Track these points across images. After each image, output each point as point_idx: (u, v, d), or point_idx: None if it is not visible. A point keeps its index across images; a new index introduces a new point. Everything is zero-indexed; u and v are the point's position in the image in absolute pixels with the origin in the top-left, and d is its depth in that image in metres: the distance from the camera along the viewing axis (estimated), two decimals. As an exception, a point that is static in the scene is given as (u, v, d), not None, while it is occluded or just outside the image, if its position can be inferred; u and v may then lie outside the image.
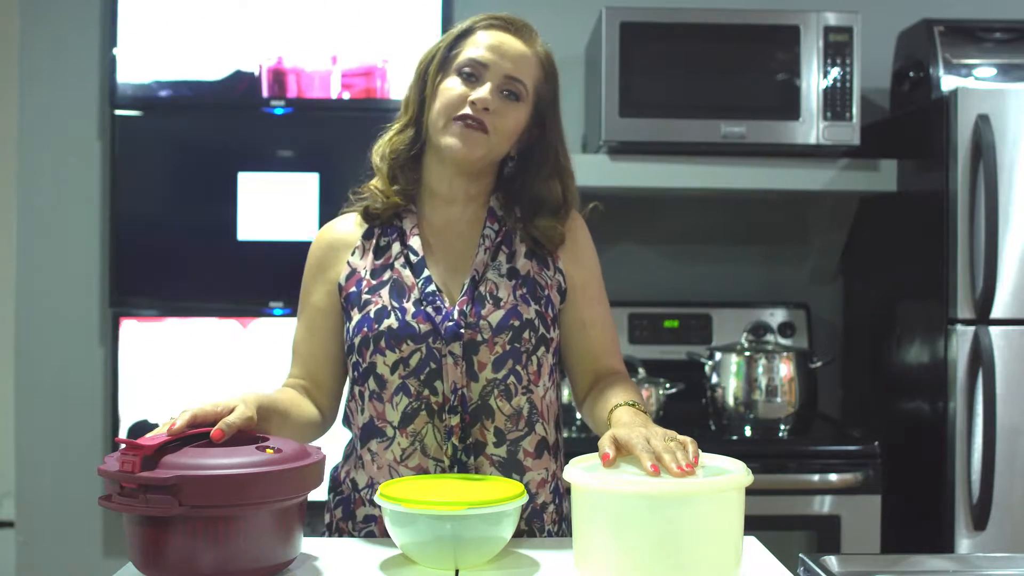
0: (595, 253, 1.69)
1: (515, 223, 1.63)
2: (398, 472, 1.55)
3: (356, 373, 1.59)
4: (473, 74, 1.57)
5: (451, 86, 1.57)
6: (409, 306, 1.55)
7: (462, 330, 1.53)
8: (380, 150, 1.65)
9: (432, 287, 1.56)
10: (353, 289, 1.59)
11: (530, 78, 1.59)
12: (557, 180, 1.64)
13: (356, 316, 1.57)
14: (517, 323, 1.55)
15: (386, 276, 1.59)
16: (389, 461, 1.55)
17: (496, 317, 1.55)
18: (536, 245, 1.63)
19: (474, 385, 1.54)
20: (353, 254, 1.62)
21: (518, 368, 1.56)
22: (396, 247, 1.61)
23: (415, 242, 1.60)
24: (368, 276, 1.59)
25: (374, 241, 1.62)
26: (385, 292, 1.57)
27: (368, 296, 1.57)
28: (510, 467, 1.56)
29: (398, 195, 1.62)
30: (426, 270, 1.57)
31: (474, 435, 1.54)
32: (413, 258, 1.59)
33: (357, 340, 1.56)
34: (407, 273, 1.58)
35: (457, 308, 1.54)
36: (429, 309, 1.54)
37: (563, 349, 1.66)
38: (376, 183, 1.64)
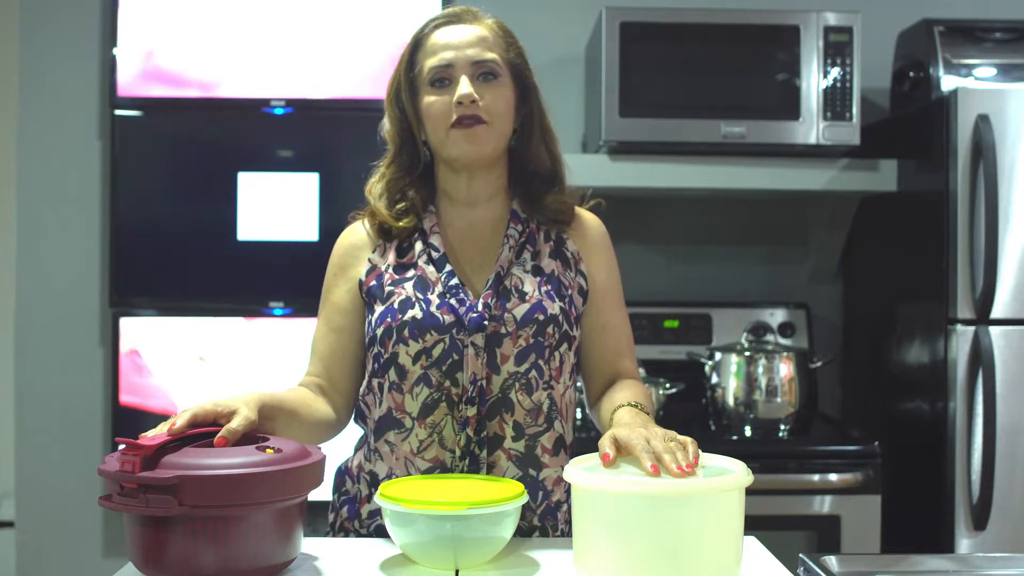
0: (615, 259, 1.71)
1: (536, 220, 1.64)
2: (414, 464, 1.55)
3: (376, 365, 1.59)
4: (443, 78, 1.58)
5: (430, 101, 1.58)
6: (433, 298, 1.56)
7: (486, 322, 1.53)
8: (372, 188, 1.66)
9: (455, 280, 1.57)
10: (374, 283, 1.60)
11: (495, 52, 1.60)
12: (543, 145, 1.65)
13: (379, 308, 1.58)
14: (542, 317, 1.56)
15: (409, 273, 1.59)
16: (406, 453, 1.55)
17: (521, 311, 1.55)
18: (559, 243, 1.64)
19: (495, 378, 1.54)
20: (374, 252, 1.63)
21: (540, 363, 1.56)
22: (419, 246, 1.61)
23: (435, 240, 1.60)
24: (391, 271, 1.60)
25: (396, 241, 1.63)
26: (409, 285, 1.58)
27: (392, 288, 1.58)
28: (527, 462, 1.56)
29: (408, 213, 1.62)
30: (448, 265, 1.58)
31: (491, 429, 1.54)
32: (435, 254, 1.59)
33: (380, 331, 1.56)
34: (430, 269, 1.59)
35: (482, 301, 1.55)
36: (453, 301, 1.55)
37: (580, 351, 1.67)
38: (378, 218, 1.63)
